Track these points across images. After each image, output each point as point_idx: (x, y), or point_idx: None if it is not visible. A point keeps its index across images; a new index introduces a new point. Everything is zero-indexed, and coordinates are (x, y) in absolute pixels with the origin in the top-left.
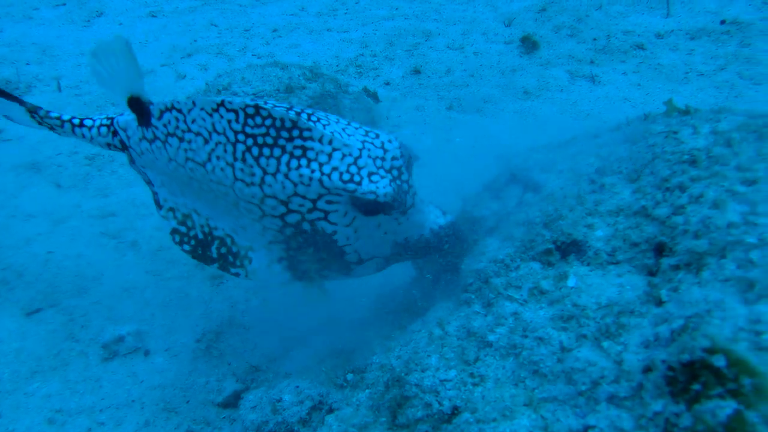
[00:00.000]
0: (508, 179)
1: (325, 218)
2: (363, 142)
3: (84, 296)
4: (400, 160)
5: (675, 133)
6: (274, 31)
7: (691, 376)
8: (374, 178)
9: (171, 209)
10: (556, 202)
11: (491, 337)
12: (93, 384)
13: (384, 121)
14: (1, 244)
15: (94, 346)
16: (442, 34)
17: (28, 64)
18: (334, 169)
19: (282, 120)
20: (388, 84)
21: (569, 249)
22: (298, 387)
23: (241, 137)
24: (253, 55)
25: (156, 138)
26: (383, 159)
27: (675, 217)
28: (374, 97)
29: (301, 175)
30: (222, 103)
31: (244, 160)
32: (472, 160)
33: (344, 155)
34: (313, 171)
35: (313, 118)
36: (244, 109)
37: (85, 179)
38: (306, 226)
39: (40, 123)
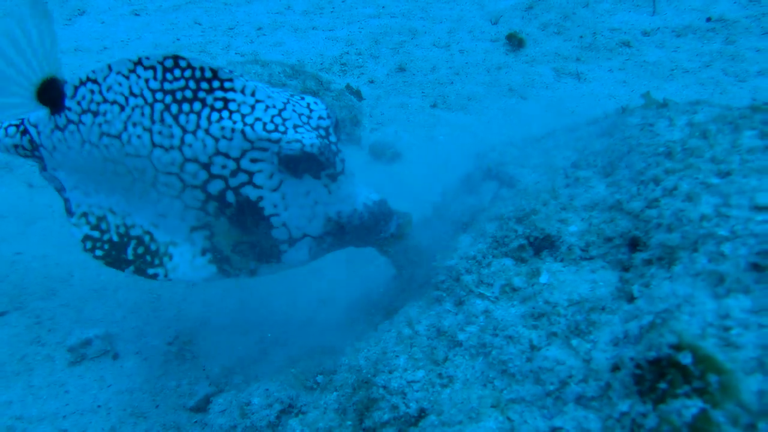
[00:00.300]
0: (485, 174)
1: (250, 181)
2: (288, 99)
3: (52, 298)
4: (327, 120)
5: (651, 125)
6: (259, 29)
7: (659, 375)
8: (300, 130)
9: (84, 214)
10: (530, 196)
11: (461, 336)
12: (57, 389)
13: (367, 119)
14: None
15: (60, 350)
16: (428, 32)
17: None
18: (258, 119)
19: (202, 70)
20: (372, 82)
21: (542, 244)
22: (267, 390)
23: (159, 95)
24: (236, 53)
25: (69, 121)
26: (309, 117)
27: (649, 210)
28: (357, 94)
29: (222, 128)
30: (139, 62)
31: (162, 120)
32: (455, 157)
33: (268, 107)
34: (235, 122)
35: (236, 73)
36: (162, 63)
37: None
38: (230, 196)
39: None
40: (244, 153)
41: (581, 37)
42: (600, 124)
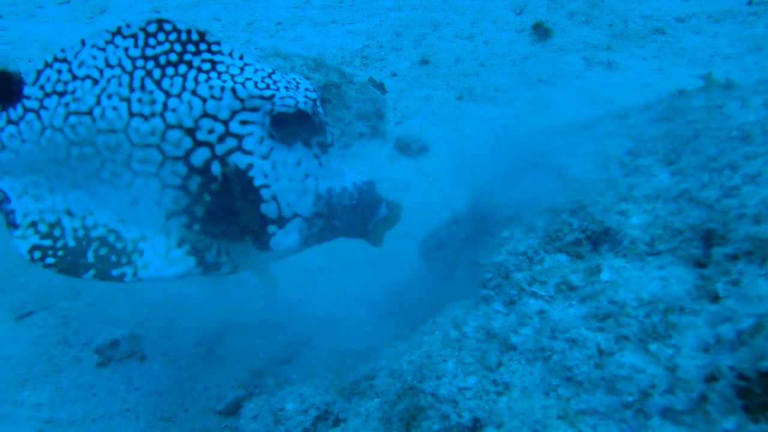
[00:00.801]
0: (526, 165)
1: (239, 147)
2: (274, 69)
3: (78, 298)
4: (314, 93)
5: (719, 107)
6: (278, 24)
7: None
8: (291, 92)
9: (32, 224)
10: (584, 187)
11: (515, 339)
12: (86, 392)
13: (391, 112)
14: None
15: (87, 351)
16: (451, 23)
17: (29, 61)
18: (248, 79)
19: (188, 32)
20: (395, 75)
21: (601, 239)
22: (302, 395)
23: (139, 62)
24: (256, 48)
25: (27, 110)
26: (296, 88)
27: (727, 200)
28: (381, 87)
29: (211, 87)
30: (118, 31)
31: (142, 87)
32: (483, 150)
33: (257, 69)
34: (224, 81)
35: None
36: (144, 28)
37: None
38: (216, 168)
39: None
40: (233, 114)
41: (611, 25)
42: (654, 109)
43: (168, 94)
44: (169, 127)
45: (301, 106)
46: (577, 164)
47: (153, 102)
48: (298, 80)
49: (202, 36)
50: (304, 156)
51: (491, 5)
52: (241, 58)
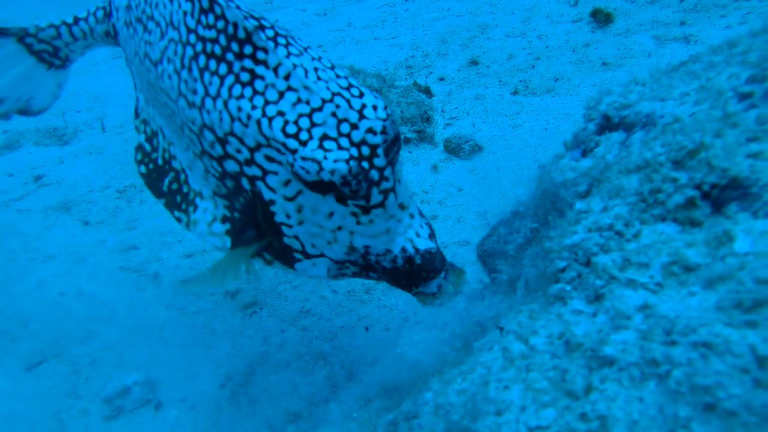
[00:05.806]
0: (601, 125)
1: (263, 179)
2: (334, 94)
3: (92, 341)
4: (379, 137)
5: None
6: (319, 47)
7: None
8: (328, 144)
9: (144, 121)
10: (689, 129)
11: (609, 350)
12: None
13: (439, 115)
14: (13, 291)
15: (97, 402)
16: (500, 24)
17: (79, 111)
18: (280, 114)
19: (235, 26)
20: (442, 79)
21: (726, 195)
22: None
23: (192, 38)
24: None
25: (130, 23)
26: (355, 126)
27: None
28: (426, 91)
29: (239, 109)
30: None
31: (189, 69)
32: (546, 143)
33: (299, 101)
34: (254, 108)
35: (280, 40)
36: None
37: (114, 213)
38: (245, 183)
39: (37, 48)
40: (258, 147)
41: (681, 1)
42: None
43: (206, 92)
44: (204, 126)
45: (324, 175)
46: (672, 107)
47: (194, 92)
48: (365, 114)
49: (249, 36)
50: (338, 210)
51: (542, 2)
52: (286, 78)
